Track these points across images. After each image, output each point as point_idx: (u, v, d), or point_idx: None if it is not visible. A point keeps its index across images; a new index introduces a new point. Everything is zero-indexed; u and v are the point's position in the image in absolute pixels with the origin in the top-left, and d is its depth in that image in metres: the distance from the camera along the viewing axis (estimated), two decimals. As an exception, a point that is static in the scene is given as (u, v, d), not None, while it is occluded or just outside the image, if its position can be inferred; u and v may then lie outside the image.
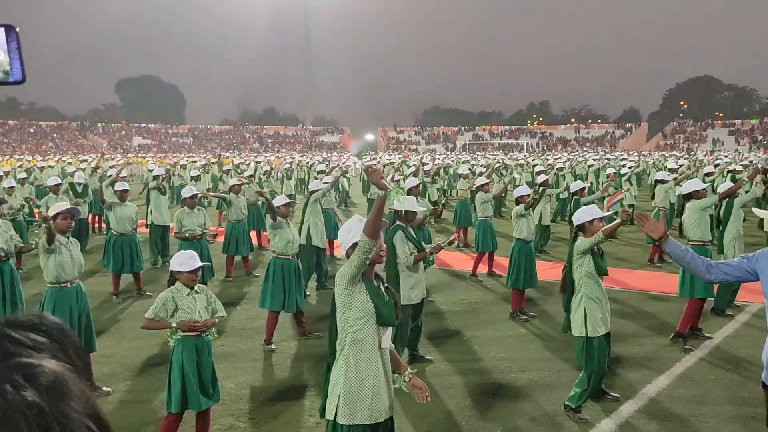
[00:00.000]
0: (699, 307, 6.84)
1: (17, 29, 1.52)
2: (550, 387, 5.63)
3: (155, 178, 11.43)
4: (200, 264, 4.38)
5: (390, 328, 3.13)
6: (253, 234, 12.16)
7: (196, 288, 4.40)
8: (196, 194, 8.64)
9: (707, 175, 15.92)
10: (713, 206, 7.63)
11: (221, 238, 10.63)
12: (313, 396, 5.54)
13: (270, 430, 4.93)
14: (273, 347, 6.86)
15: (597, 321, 4.93)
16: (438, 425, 4.97)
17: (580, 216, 5.16)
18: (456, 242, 7.07)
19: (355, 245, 3.08)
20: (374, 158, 35.38)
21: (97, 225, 15.34)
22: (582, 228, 5.12)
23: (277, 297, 6.88)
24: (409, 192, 8.47)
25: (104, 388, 5.69)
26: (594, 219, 5.08)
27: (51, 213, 5.68)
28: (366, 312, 3.03)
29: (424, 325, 7.47)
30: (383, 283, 3.22)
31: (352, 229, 3.19)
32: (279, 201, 7.15)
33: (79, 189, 13.04)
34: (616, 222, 5.01)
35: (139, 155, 43.56)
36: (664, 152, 49.65)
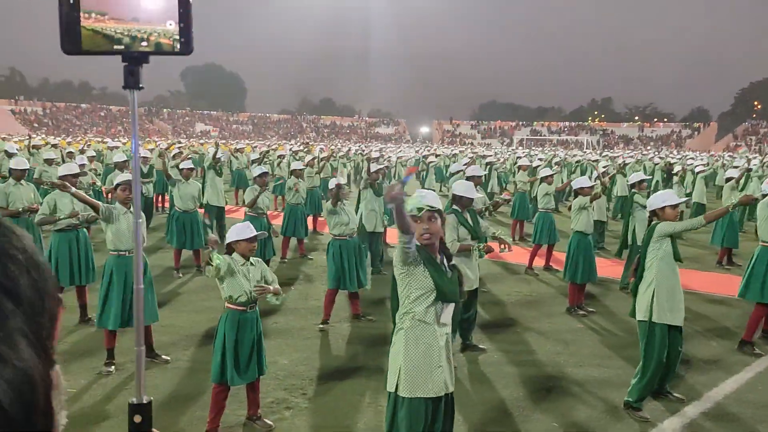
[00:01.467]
0: (764, 313, 6.45)
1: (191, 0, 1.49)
2: (609, 384, 5.44)
3: (213, 158, 11.64)
4: (256, 233, 4.42)
5: (452, 305, 3.08)
6: (309, 219, 12.28)
7: (251, 260, 4.44)
8: (266, 172, 8.86)
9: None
10: None
11: (279, 221, 10.78)
12: (365, 376, 5.54)
13: (321, 405, 4.95)
14: (326, 328, 6.90)
15: (664, 307, 4.74)
16: (490, 414, 4.88)
17: (653, 202, 5.01)
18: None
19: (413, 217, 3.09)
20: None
21: (160, 205, 15.77)
22: (654, 214, 4.96)
23: (338, 276, 6.97)
24: (469, 179, 8.34)
25: (163, 356, 5.85)
26: (666, 206, 4.91)
27: (63, 171, 6.10)
28: (426, 288, 3.00)
29: (478, 315, 7.39)
30: (449, 259, 3.16)
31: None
32: (331, 184, 7.26)
33: (145, 169, 13.46)
34: (722, 209, 5.11)
35: (200, 141, 44.74)
36: (731, 153, 47.47)
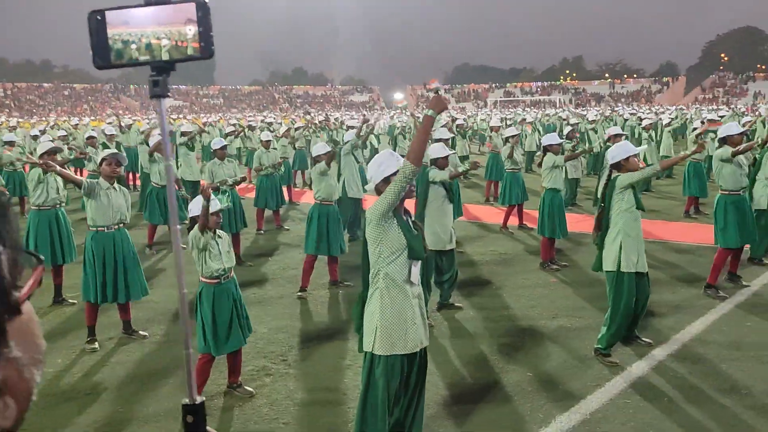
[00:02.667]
0: (726, 258, 6.65)
1: (207, 1, 1.54)
2: (581, 333, 5.61)
3: (183, 134, 11.51)
4: (219, 206, 4.39)
5: (419, 263, 3.13)
6: (284, 189, 12.23)
7: (218, 233, 4.45)
8: (226, 145, 8.68)
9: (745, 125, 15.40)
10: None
11: (252, 194, 10.72)
12: (344, 339, 5.63)
13: (302, 370, 5.03)
14: (305, 295, 6.96)
15: (631, 256, 4.88)
16: (467, 367, 5.00)
17: (616, 153, 5.07)
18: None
19: (387, 180, 3.09)
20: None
21: (131, 182, 15.56)
22: (617, 167, 5.04)
23: (320, 241, 7.00)
24: (436, 141, 8.39)
25: (141, 332, 5.86)
26: (630, 156, 5.01)
27: (40, 150, 5.99)
28: (398, 246, 3.04)
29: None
30: (411, 218, 3.21)
31: (383, 163, 3.17)
32: (320, 150, 7.26)
33: (113, 146, 13.26)
34: (677, 156, 5.35)
35: (171, 116, 43.95)
36: (698, 106, 48.04)
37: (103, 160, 5.67)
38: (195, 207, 4.41)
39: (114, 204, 5.67)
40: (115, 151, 5.94)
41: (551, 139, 8.31)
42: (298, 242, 9.67)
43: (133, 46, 1.52)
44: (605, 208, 5.06)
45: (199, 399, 1.40)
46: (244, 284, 7.42)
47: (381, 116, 37.31)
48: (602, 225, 5.09)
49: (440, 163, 6.22)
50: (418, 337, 3.11)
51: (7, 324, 0.62)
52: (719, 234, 6.65)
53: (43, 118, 43.57)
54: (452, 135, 9.84)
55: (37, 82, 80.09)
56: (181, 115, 51.33)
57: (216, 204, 4.37)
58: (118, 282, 5.64)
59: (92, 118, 40.85)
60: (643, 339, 5.28)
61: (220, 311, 4.35)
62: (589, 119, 21.33)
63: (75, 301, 6.70)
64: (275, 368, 5.07)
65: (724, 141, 6.91)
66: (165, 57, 1.54)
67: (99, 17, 1.51)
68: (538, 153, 8.56)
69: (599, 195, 5.19)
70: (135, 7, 1.52)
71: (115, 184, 5.70)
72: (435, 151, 6.36)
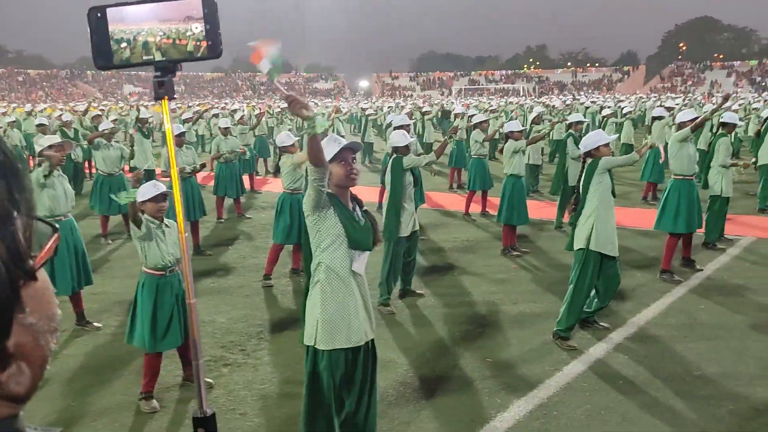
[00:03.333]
0: (676, 243, 6.78)
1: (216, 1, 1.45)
2: (541, 318, 5.65)
3: (139, 120, 11.17)
4: (162, 191, 4.19)
5: (366, 253, 3.04)
6: (245, 178, 12.04)
7: (166, 222, 4.27)
8: (183, 132, 8.45)
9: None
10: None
11: (211, 181, 10.52)
12: (303, 329, 5.55)
13: (260, 360, 4.95)
14: (271, 283, 6.90)
15: (601, 237, 4.97)
16: (426, 355, 4.99)
17: (588, 142, 5.19)
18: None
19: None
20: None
21: (88, 171, 15.11)
22: (589, 154, 5.12)
23: (291, 230, 6.91)
24: (398, 128, 8.35)
25: (95, 324, 5.70)
26: (600, 145, 5.11)
27: (45, 143, 5.60)
28: (336, 236, 2.93)
29: (416, 262, 7.50)
30: (360, 206, 3.12)
31: (324, 149, 3.04)
32: (286, 141, 7.12)
33: (71, 133, 12.85)
34: (646, 146, 5.63)
35: (130, 103, 42.82)
36: (657, 95, 49.05)
37: (51, 146, 5.46)
38: (144, 191, 4.24)
39: (67, 191, 5.49)
40: (59, 138, 5.71)
41: (512, 126, 8.37)
42: (260, 231, 9.56)
43: (127, 45, 1.42)
44: (583, 189, 5.14)
45: (209, 410, 1.34)
46: (203, 273, 7.31)
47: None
48: (578, 206, 5.16)
49: (401, 150, 6.19)
50: (362, 329, 3.02)
51: (22, 290, 0.62)
52: (669, 219, 6.75)
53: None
54: (413, 120, 9.80)
55: (-11, 67, 77.27)
56: (142, 102, 49.99)
57: (153, 190, 4.18)
58: (75, 271, 5.49)
59: (47, 105, 39.47)
60: (601, 324, 5.35)
61: (161, 306, 4.16)
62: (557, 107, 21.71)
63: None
64: (233, 358, 4.98)
65: (681, 126, 7.04)
66: (170, 57, 1.43)
67: (99, 14, 1.42)
68: (502, 143, 8.61)
69: (577, 181, 5.25)
70: (135, 3, 1.43)
71: (56, 172, 5.50)
72: (396, 139, 6.32)
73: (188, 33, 1.46)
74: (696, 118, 7.08)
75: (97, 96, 64.95)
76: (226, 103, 37.66)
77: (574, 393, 4.25)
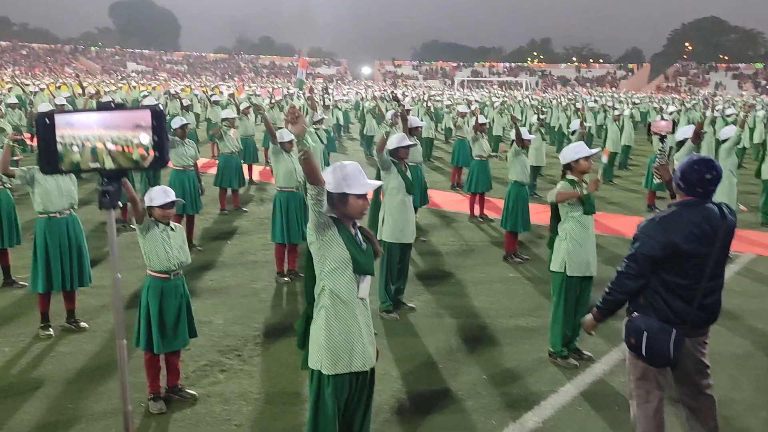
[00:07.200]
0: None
1: (165, 112, 1.50)
2: (536, 333, 5.63)
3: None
4: (172, 198, 4.22)
5: (369, 277, 3.03)
6: (245, 167, 11.99)
7: (171, 225, 4.29)
8: (186, 124, 8.39)
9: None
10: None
11: (213, 170, 10.47)
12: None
13: (256, 366, 4.95)
14: (287, 279, 6.95)
15: (577, 262, 4.85)
16: (421, 368, 4.99)
17: (566, 154, 5.01)
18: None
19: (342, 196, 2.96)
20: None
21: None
22: (569, 167, 5.00)
23: (284, 229, 6.91)
24: (412, 132, 8.36)
25: (81, 324, 5.64)
26: (580, 158, 4.93)
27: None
28: (342, 261, 2.92)
29: (415, 265, 7.49)
30: (360, 231, 3.10)
31: (346, 177, 3.01)
32: (285, 136, 7.06)
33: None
34: (574, 191, 4.87)
35: (132, 82, 42.49)
36: (662, 95, 48.89)
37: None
38: (154, 196, 4.23)
39: (63, 187, 5.42)
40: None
41: (524, 134, 8.27)
42: (257, 225, 9.54)
43: (76, 150, 1.44)
44: (552, 210, 5.03)
45: None
46: (202, 269, 7.30)
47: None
48: (552, 226, 5.08)
49: (401, 153, 6.06)
50: (367, 353, 3.03)
51: None
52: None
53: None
54: (423, 123, 9.93)
55: (-8, 39, 76.60)
56: (143, 81, 49.64)
57: (162, 197, 4.19)
58: (70, 269, 5.45)
59: (50, 80, 39.23)
60: (585, 353, 5.15)
61: (167, 309, 4.21)
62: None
63: (25, 284, 6.43)
64: (229, 364, 4.98)
65: (682, 143, 7.01)
66: (110, 164, 1.46)
67: (48, 120, 1.47)
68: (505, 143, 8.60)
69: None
70: (85, 111, 1.49)
71: None
72: (394, 141, 6.02)
73: (135, 141, 1.50)
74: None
75: (95, 74, 64.56)
76: (228, 86, 37.38)
77: (570, 417, 4.26)
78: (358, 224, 3.11)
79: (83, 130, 1.46)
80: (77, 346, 5.28)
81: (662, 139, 4.58)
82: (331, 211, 2.97)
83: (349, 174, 2.97)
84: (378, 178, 6.29)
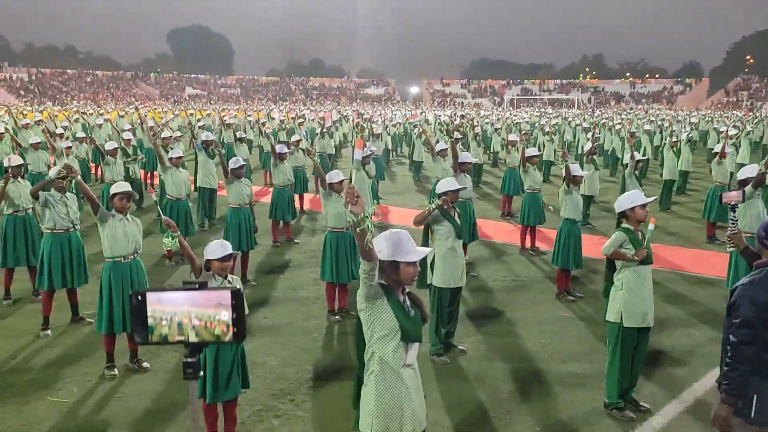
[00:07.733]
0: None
1: (243, 292, 1.72)
2: (591, 380, 5.52)
3: (204, 143, 11.53)
4: (229, 252, 4.38)
5: (416, 344, 3.08)
6: (296, 198, 12.23)
7: (229, 278, 4.46)
8: (243, 165, 8.66)
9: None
10: None
11: (265, 199, 10.70)
12: (352, 377, 5.59)
13: (308, 411, 5.02)
14: (338, 318, 7.06)
15: (634, 312, 4.77)
16: (472, 417, 4.96)
17: (621, 203, 4.95)
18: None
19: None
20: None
21: (149, 181, 15.52)
22: (624, 215, 4.93)
23: (334, 269, 7.04)
24: (462, 167, 8.41)
25: (144, 364, 5.85)
26: (635, 206, 4.86)
27: (112, 191, 5.76)
28: (390, 329, 2.98)
29: (465, 302, 7.46)
30: (409, 297, 3.15)
31: (397, 244, 3.08)
32: (334, 177, 7.15)
33: (129, 150, 13.29)
34: (628, 256, 4.81)
35: (189, 107, 44.09)
36: (721, 111, 47.23)
37: (114, 195, 5.68)
38: (212, 250, 4.39)
39: (129, 233, 5.69)
40: (127, 186, 5.85)
41: (576, 170, 8.10)
42: (309, 258, 9.68)
43: (165, 323, 1.65)
44: (608, 259, 4.97)
45: None
46: (256, 305, 7.45)
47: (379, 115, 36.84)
48: (607, 276, 5.01)
49: (450, 197, 6.07)
50: (417, 417, 3.09)
51: None
52: (733, 273, 6.53)
53: (66, 107, 43.83)
54: (476, 159, 9.97)
55: (60, 68, 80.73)
56: (199, 105, 51.28)
57: (220, 251, 4.38)
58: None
59: (113, 108, 41.11)
60: (642, 404, 5.02)
61: (223, 358, 4.34)
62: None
63: (92, 320, 6.71)
64: (283, 409, 5.07)
65: (744, 183, 6.79)
66: (193, 338, 1.65)
67: (140, 297, 1.71)
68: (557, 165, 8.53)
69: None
70: (173, 290, 1.71)
71: (128, 215, 5.73)
72: (443, 185, 6.07)
73: (217, 318, 1.68)
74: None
75: (155, 100, 67.05)
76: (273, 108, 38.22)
77: (626, 475, 4.15)
78: (407, 289, 3.16)
79: (171, 306, 1.67)
80: (140, 387, 5.49)
81: (734, 208, 4.54)
82: (381, 277, 3.03)
83: (400, 242, 3.03)
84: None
